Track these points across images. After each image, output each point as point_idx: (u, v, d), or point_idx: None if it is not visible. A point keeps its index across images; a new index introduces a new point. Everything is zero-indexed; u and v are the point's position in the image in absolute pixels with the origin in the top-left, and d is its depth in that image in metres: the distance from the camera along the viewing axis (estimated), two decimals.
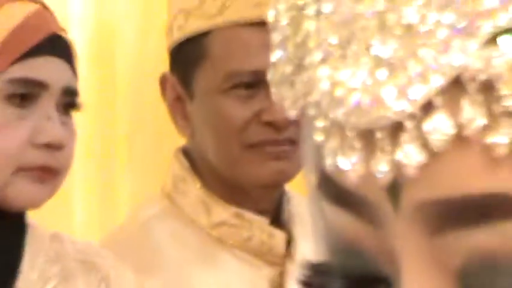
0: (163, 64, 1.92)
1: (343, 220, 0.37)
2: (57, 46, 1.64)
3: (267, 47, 0.46)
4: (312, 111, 0.36)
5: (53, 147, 1.48)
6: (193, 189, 1.69)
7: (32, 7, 1.67)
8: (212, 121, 1.68)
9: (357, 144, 0.33)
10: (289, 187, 1.79)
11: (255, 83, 1.62)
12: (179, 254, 1.69)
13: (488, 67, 0.29)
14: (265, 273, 1.66)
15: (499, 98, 0.29)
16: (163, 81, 1.74)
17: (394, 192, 0.33)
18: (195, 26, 1.68)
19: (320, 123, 0.35)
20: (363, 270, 0.37)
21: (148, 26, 3.49)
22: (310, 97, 0.35)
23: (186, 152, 1.74)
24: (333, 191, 0.37)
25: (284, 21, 0.44)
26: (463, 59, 0.30)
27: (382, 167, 0.32)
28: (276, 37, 0.42)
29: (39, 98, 1.55)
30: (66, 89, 1.57)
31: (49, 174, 1.49)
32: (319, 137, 0.36)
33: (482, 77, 0.30)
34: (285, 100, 0.40)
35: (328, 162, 0.34)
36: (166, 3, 1.97)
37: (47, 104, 1.51)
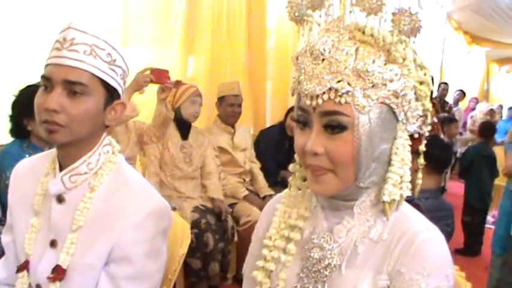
0: None
1: (303, 113, 1.04)
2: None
3: None
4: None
5: None
6: None
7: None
8: None
9: (308, 101, 1.01)
10: None
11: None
12: None
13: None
14: None
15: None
16: None
17: (314, 107, 1.00)
18: None
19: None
20: (306, 120, 1.03)
21: None
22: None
23: None
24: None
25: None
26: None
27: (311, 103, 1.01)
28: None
29: None
30: None
31: None
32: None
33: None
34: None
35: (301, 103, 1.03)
36: None
37: None
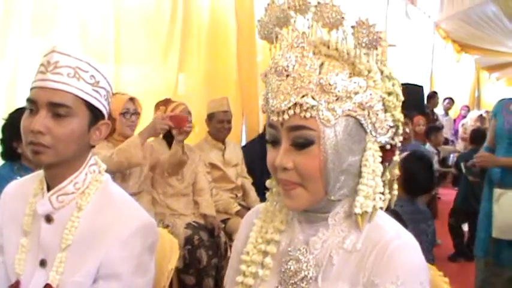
0: None
1: (272, 131, 1.05)
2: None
3: None
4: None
5: None
6: None
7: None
8: None
9: (275, 117, 1.03)
10: None
11: None
12: None
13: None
14: None
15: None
16: None
17: (282, 122, 1.02)
18: None
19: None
20: (275, 139, 1.05)
21: None
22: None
23: None
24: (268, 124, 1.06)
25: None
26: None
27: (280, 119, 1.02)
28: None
29: None
30: None
31: None
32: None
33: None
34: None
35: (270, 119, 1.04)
36: None
37: None
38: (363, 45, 1.00)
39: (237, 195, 4.20)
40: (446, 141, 8.80)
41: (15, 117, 2.57)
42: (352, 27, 1.01)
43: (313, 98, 0.99)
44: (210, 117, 4.10)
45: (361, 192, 1.04)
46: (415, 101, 7.53)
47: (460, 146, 9.25)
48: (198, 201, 3.77)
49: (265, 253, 1.15)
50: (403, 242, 1.04)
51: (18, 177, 1.72)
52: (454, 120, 10.98)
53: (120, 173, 3.02)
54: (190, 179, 3.74)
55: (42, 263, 1.40)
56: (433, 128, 6.37)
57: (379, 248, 1.03)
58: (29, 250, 1.42)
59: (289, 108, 1.00)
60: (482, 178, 3.46)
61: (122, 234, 1.35)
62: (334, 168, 1.01)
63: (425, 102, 8.59)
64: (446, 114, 10.36)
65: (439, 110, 9.92)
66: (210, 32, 4.73)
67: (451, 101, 10.42)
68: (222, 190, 4.10)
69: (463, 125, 9.70)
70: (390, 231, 1.06)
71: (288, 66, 1.01)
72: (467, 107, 11.59)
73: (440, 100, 9.89)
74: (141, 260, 1.39)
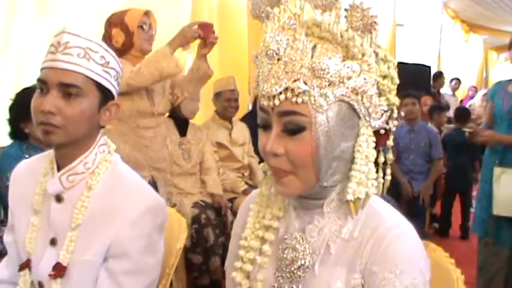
0: None
1: (263, 115, 1.02)
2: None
3: None
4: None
5: None
6: None
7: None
8: None
9: (265, 102, 0.99)
10: None
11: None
12: None
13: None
14: None
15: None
16: None
17: (273, 107, 0.97)
18: None
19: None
20: (267, 123, 1.01)
21: None
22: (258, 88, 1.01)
23: None
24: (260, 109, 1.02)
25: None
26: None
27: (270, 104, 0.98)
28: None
29: None
30: None
31: None
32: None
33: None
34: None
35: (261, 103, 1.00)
36: None
37: None
38: (357, 29, 0.96)
39: (243, 174, 4.21)
40: (451, 121, 8.76)
41: (22, 97, 2.57)
42: (346, 10, 0.97)
43: (305, 82, 0.95)
44: (217, 96, 4.10)
45: (354, 178, 1.01)
46: (422, 81, 7.50)
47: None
48: (205, 180, 3.79)
49: (263, 240, 1.14)
50: (401, 232, 1.02)
51: (27, 156, 1.73)
52: (461, 100, 10.92)
53: (145, 90, 2.85)
54: (197, 158, 3.76)
55: (53, 242, 1.41)
56: (437, 108, 6.34)
57: (377, 236, 1.01)
58: (39, 229, 1.44)
59: (281, 92, 0.96)
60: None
61: (132, 214, 1.36)
62: (326, 154, 0.99)
63: (431, 82, 8.54)
64: (454, 94, 10.31)
65: (446, 90, 9.86)
66: (221, 12, 4.69)
67: (458, 81, 10.36)
68: (229, 169, 4.11)
69: (470, 105, 9.65)
70: (388, 220, 1.04)
71: (278, 49, 0.97)
72: (474, 87, 11.52)
73: (447, 80, 9.83)
74: (151, 239, 1.40)
